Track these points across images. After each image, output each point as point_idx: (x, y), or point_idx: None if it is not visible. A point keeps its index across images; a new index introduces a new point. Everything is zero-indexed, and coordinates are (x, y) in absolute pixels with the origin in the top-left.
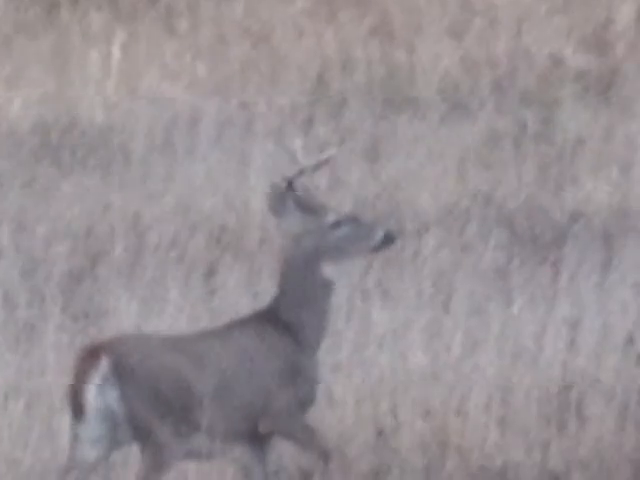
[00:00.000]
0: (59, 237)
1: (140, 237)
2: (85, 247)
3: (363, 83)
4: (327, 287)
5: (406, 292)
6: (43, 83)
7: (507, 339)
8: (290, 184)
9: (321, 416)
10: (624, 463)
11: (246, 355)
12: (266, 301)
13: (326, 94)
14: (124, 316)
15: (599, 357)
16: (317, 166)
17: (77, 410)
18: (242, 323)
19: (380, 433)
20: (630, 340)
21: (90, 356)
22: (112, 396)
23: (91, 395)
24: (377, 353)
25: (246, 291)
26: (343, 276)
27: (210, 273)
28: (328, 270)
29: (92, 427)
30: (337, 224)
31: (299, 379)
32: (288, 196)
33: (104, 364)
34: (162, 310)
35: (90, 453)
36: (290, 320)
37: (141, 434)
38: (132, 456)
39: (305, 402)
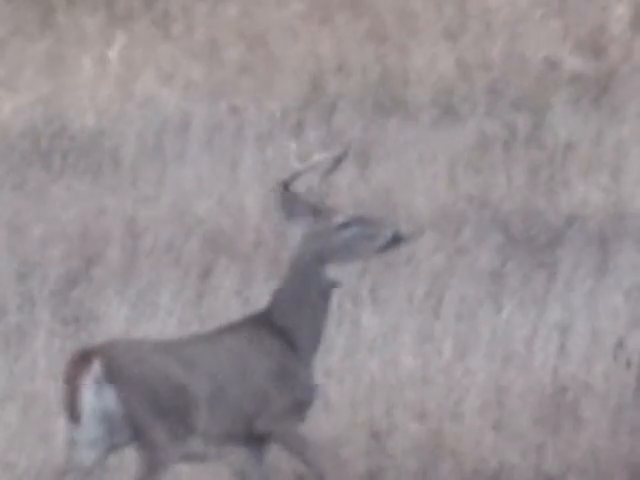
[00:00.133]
0: (54, 240)
1: (135, 240)
2: (80, 250)
3: (358, 86)
4: (328, 290)
5: (398, 296)
6: (37, 86)
7: (498, 343)
8: (286, 187)
9: (316, 419)
10: (619, 466)
11: (238, 358)
12: (260, 304)
13: (320, 97)
14: (115, 320)
15: (589, 361)
16: (310, 169)
17: (73, 414)
18: (235, 327)
19: (375, 436)
20: (620, 345)
21: (82, 360)
22: (109, 398)
23: (87, 398)
24: (368, 357)
25: (240, 294)
26: (346, 278)
27: (204, 276)
28: (332, 272)
29: (89, 430)
30: (345, 225)
31: (292, 383)
32: (296, 198)
33: (96, 367)
34: (153, 314)
35: (87, 456)
36: (285, 324)
37: (138, 437)
38: (127, 459)
39: (300, 406)
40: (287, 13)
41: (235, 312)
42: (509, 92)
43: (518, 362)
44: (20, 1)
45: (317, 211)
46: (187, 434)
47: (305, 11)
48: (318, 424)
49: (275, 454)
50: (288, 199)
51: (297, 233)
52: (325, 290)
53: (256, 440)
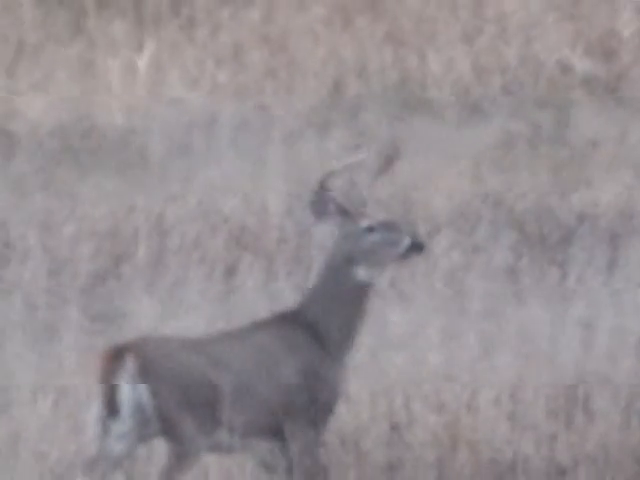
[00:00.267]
0: (84, 238)
1: (162, 238)
2: (109, 248)
3: (377, 88)
4: (361, 291)
5: (419, 292)
6: (69, 88)
7: (522, 340)
8: (322, 185)
9: (337, 411)
10: (629, 458)
11: (266, 355)
12: (283, 299)
13: (342, 98)
14: (143, 316)
15: (613, 358)
16: (347, 168)
17: (111, 408)
18: (265, 323)
19: (394, 428)
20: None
21: (115, 356)
22: (143, 393)
23: (124, 393)
24: (393, 354)
25: (264, 290)
26: (377, 278)
27: (230, 272)
28: (362, 273)
29: (124, 423)
30: (370, 229)
31: (319, 381)
32: (328, 199)
33: (130, 364)
34: (181, 310)
35: (118, 447)
36: (317, 321)
37: (168, 429)
38: (155, 451)
39: (324, 406)
40: (308, 17)
41: (260, 307)
42: (524, 93)
43: (541, 358)
44: (52, 8)
45: (346, 212)
46: (214, 427)
47: (326, 15)
48: (339, 416)
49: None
50: (321, 198)
51: (326, 232)
52: (357, 289)
53: (282, 433)
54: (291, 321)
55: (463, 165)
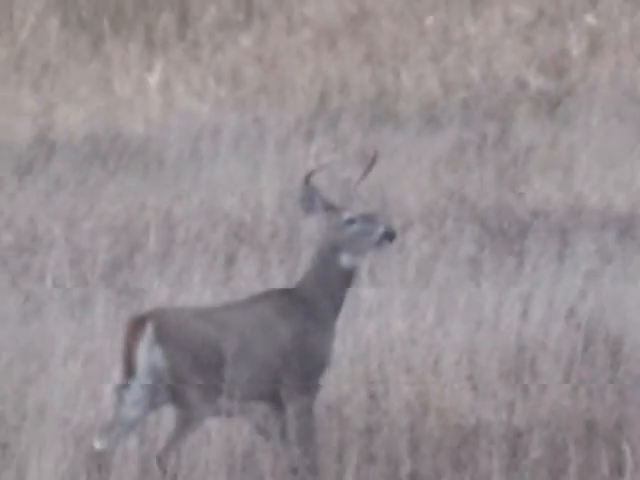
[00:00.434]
0: (102, 231)
1: (170, 231)
2: (124, 240)
3: (357, 101)
4: (346, 275)
5: (391, 276)
6: (93, 102)
7: (472, 311)
8: (306, 181)
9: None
10: (577, 422)
11: (265, 321)
12: (276, 285)
13: (326, 110)
14: (153, 302)
15: (546, 325)
16: (324, 167)
17: (129, 369)
18: (265, 295)
19: (372, 396)
20: (571, 312)
21: (137, 324)
22: (157, 355)
23: (141, 355)
24: (365, 322)
25: (259, 277)
26: (360, 264)
27: (229, 262)
28: (346, 260)
29: (137, 390)
30: (351, 221)
31: (311, 345)
32: (315, 196)
33: (149, 329)
34: (188, 295)
35: (132, 413)
36: (309, 298)
37: (177, 396)
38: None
39: (317, 368)
40: (297, 40)
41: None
42: (481, 106)
43: (488, 326)
44: (75, 32)
45: (331, 207)
46: (217, 393)
47: (312, 38)
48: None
49: (270, 447)
50: (308, 193)
51: (313, 226)
52: (343, 274)
53: (278, 398)
54: (287, 296)
55: (424, 166)
